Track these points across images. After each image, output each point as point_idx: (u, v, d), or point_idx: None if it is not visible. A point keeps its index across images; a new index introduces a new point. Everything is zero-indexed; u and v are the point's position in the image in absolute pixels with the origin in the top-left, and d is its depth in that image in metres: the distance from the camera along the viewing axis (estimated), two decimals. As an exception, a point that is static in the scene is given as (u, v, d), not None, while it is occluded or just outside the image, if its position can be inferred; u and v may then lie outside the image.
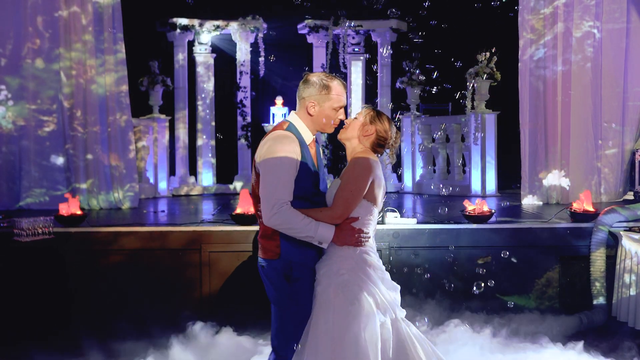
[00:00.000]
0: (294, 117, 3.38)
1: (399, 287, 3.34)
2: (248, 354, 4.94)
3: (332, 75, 3.40)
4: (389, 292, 3.23)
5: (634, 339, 5.27)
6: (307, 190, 3.26)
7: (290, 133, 3.26)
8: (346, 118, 3.43)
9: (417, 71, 10.30)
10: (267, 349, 4.08)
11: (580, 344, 5.04)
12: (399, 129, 10.67)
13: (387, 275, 3.32)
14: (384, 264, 3.41)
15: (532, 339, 5.12)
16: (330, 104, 3.33)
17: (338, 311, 3.11)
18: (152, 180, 10.04)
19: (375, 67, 10.98)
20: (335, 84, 3.35)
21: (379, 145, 3.36)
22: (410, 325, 3.25)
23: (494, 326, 5.42)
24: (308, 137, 3.36)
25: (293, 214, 3.14)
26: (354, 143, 3.37)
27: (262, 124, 11.11)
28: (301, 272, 3.26)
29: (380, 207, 3.35)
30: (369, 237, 3.29)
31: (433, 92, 8.29)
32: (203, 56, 10.93)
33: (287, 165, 3.17)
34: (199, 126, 10.89)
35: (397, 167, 10.98)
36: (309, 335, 3.15)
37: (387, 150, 3.42)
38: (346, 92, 3.42)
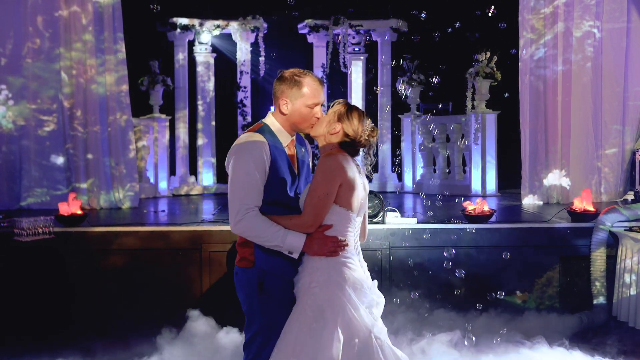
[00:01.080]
0: (269, 118, 3.19)
1: (382, 300, 3.10)
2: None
3: (306, 71, 3.17)
4: (367, 308, 2.99)
5: (634, 338, 5.27)
6: (280, 195, 3.07)
7: (258, 135, 3.06)
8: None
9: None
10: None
11: (581, 344, 5.04)
12: (398, 129, 10.77)
13: (369, 285, 3.05)
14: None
15: (531, 339, 5.11)
16: (303, 101, 3.10)
17: (302, 327, 2.92)
18: (152, 180, 10.03)
19: (373, 67, 10.99)
20: (308, 80, 3.11)
21: (348, 145, 3.04)
22: (384, 344, 2.98)
23: (493, 326, 5.42)
24: (285, 137, 3.15)
25: (259, 220, 2.96)
26: (323, 141, 3.08)
27: (263, 124, 11.08)
28: (275, 283, 3.06)
29: (357, 211, 3.07)
30: (346, 246, 3.02)
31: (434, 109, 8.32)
32: (203, 56, 10.91)
33: (252, 169, 2.98)
34: (199, 126, 10.88)
35: (397, 166, 10.97)
36: (276, 351, 2.98)
37: (367, 150, 3.11)
38: (323, 89, 3.17)
